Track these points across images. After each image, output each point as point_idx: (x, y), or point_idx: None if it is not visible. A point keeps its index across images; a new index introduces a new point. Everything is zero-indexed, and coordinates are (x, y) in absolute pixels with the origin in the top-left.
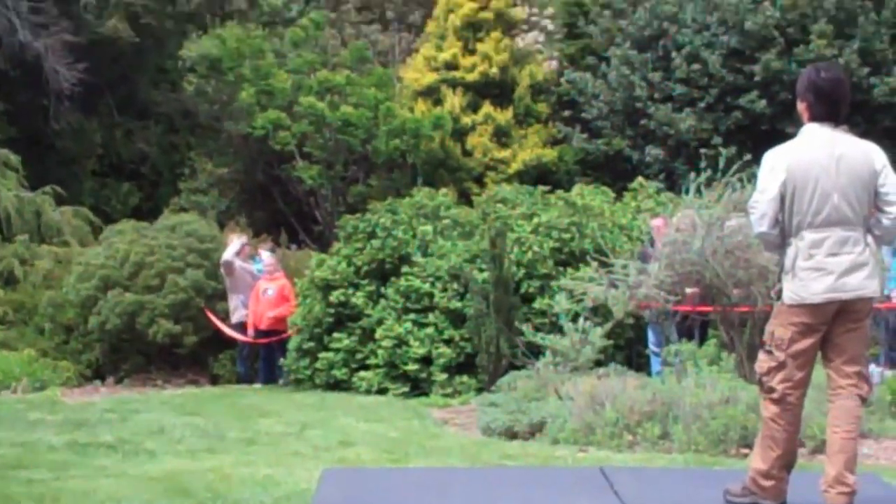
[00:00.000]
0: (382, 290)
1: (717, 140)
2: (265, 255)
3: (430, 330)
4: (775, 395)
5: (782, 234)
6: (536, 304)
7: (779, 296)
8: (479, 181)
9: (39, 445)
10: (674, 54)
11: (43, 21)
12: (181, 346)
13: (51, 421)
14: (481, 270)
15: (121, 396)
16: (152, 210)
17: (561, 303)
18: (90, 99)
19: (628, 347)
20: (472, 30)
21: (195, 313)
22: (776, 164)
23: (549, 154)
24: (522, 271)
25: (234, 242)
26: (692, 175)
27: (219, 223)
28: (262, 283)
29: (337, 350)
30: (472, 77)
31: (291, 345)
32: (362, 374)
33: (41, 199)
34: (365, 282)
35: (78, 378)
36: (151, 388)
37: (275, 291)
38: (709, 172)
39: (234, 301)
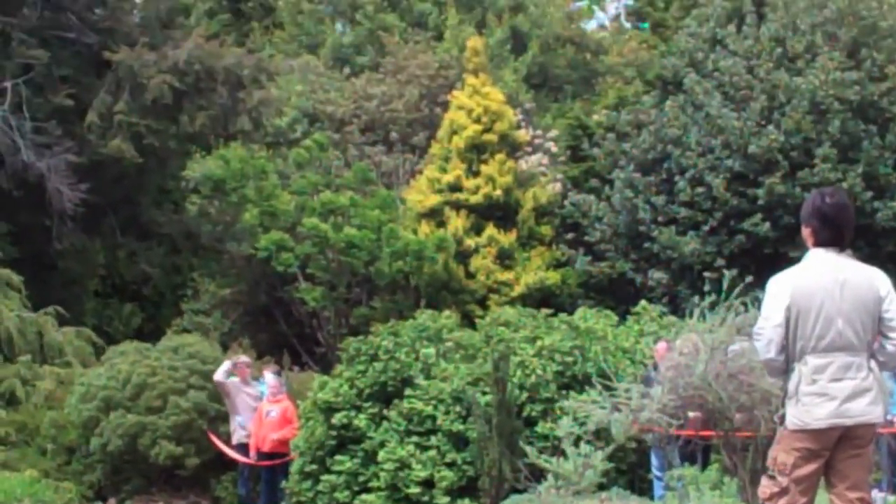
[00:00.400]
0: (385, 412)
1: (720, 263)
2: (269, 377)
3: (432, 453)
4: None
5: (786, 358)
6: (539, 428)
7: (782, 421)
8: (482, 303)
9: None
10: (677, 177)
11: (46, 141)
12: (183, 468)
13: None
14: (484, 393)
15: None
16: (154, 331)
17: (564, 427)
18: (93, 219)
19: (631, 471)
20: (477, 152)
21: (197, 435)
22: (780, 289)
23: (553, 277)
24: (525, 394)
25: (225, 363)
26: (695, 298)
27: (222, 344)
28: (265, 405)
29: (339, 473)
30: (475, 199)
31: (294, 467)
32: (364, 496)
33: (43, 319)
34: (367, 404)
35: (80, 499)
36: None
37: (278, 413)
38: (712, 296)
39: (233, 422)
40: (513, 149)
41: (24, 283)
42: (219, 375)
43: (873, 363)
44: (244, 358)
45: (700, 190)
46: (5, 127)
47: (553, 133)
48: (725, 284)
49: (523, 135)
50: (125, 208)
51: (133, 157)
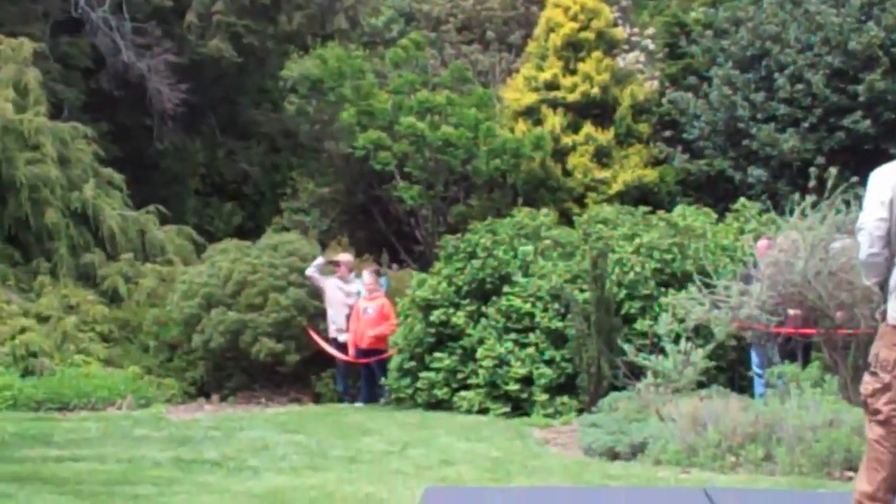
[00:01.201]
0: (483, 309)
1: (820, 160)
2: (365, 275)
3: (531, 350)
4: (881, 417)
5: (889, 254)
6: (638, 325)
7: (884, 317)
8: (580, 202)
9: (144, 461)
10: (776, 74)
11: (146, 42)
12: (284, 365)
13: (156, 437)
14: (582, 291)
15: (224, 414)
16: (254, 229)
17: (663, 324)
18: (193, 119)
19: (731, 369)
20: (573, 50)
21: (297, 332)
22: (882, 182)
23: (651, 174)
24: (624, 292)
25: (318, 258)
26: (795, 196)
27: (320, 243)
28: (361, 303)
29: (438, 370)
30: (572, 97)
31: (393, 364)
32: (463, 393)
33: (145, 218)
34: (465, 301)
35: (182, 395)
36: (255, 406)
37: (374, 311)
38: (812, 194)
39: (328, 317)
40: (610, 46)
41: (125, 182)
42: (310, 270)
43: None
44: (344, 255)
45: (799, 87)
46: (106, 28)
47: (650, 30)
48: (828, 183)
49: (620, 32)
50: (224, 108)
51: (232, 56)
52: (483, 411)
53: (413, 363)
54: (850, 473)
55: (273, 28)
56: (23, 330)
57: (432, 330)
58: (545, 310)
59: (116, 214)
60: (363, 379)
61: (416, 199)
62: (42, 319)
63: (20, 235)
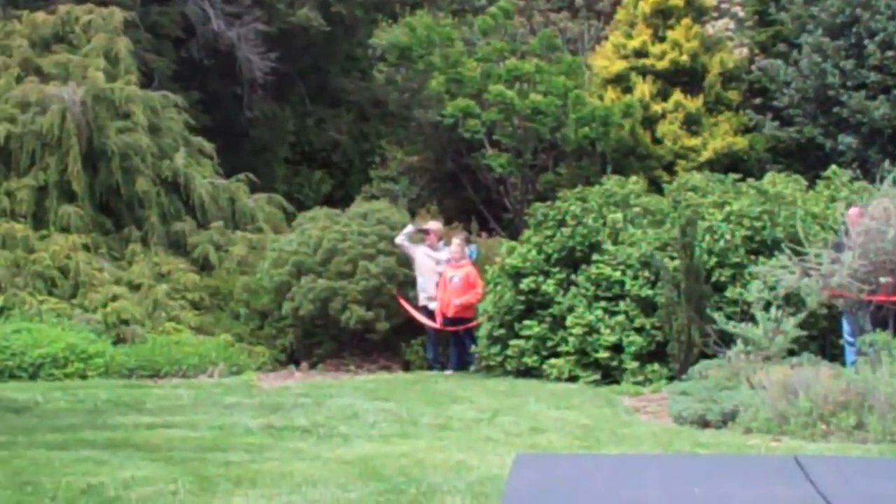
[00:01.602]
0: (573, 277)
1: None
2: (452, 244)
3: (620, 318)
4: None
5: None
6: (728, 293)
7: None
8: (669, 169)
9: (236, 428)
10: (867, 41)
11: (236, 10)
12: (373, 332)
13: (247, 404)
14: (672, 258)
15: (315, 381)
16: (343, 198)
17: (753, 291)
18: (282, 87)
19: (822, 337)
20: (662, 17)
21: (387, 300)
22: None
23: (740, 142)
24: (714, 260)
25: (408, 226)
26: (886, 163)
27: (409, 211)
28: (448, 271)
29: (527, 337)
30: (661, 65)
31: (482, 332)
32: (553, 361)
33: (235, 186)
34: (555, 269)
35: (272, 363)
36: (345, 373)
37: (460, 279)
38: None
39: (417, 285)
40: (699, 13)
41: (216, 150)
42: (399, 238)
43: None
44: (433, 224)
45: (890, 53)
46: None
47: None
48: None
49: None
50: (314, 76)
51: (321, 25)
52: (572, 379)
53: (503, 331)
54: None
55: None
56: (114, 298)
57: (522, 298)
58: (635, 278)
59: (207, 183)
60: (452, 347)
61: (504, 167)
62: (133, 287)
63: (111, 204)
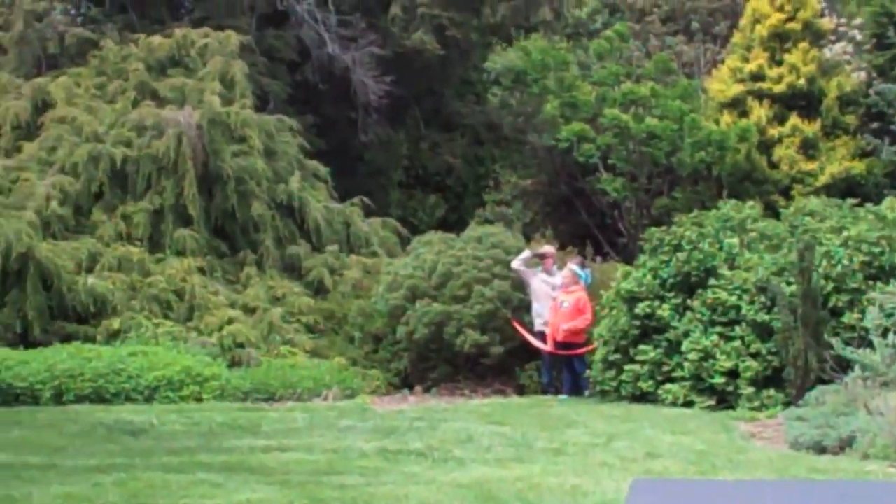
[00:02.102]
0: (688, 302)
1: None
2: (571, 268)
3: (736, 343)
4: None
5: None
6: (845, 319)
7: None
8: (786, 194)
9: (351, 452)
10: None
11: (351, 34)
12: (488, 356)
13: (361, 428)
14: (789, 283)
15: (429, 405)
16: (458, 222)
17: (871, 317)
18: (397, 111)
19: None
20: (779, 40)
21: (501, 323)
22: None
23: (858, 166)
24: (831, 285)
25: (525, 251)
26: None
27: (524, 235)
28: (559, 296)
29: (643, 362)
30: (778, 88)
31: (597, 356)
32: (668, 386)
33: (350, 210)
34: (671, 294)
35: (387, 386)
36: (459, 397)
37: (571, 304)
38: None
39: (532, 310)
40: (817, 37)
41: (330, 174)
42: (515, 263)
43: None
44: (548, 248)
45: None
46: (311, 20)
47: (858, 21)
48: None
49: (827, 23)
50: (428, 100)
51: (435, 49)
52: (688, 404)
53: (618, 355)
54: None
55: (477, 20)
56: (230, 321)
57: (637, 322)
58: (751, 302)
59: (321, 206)
60: (566, 371)
61: (619, 191)
62: (249, 311)
63: (227, 227)
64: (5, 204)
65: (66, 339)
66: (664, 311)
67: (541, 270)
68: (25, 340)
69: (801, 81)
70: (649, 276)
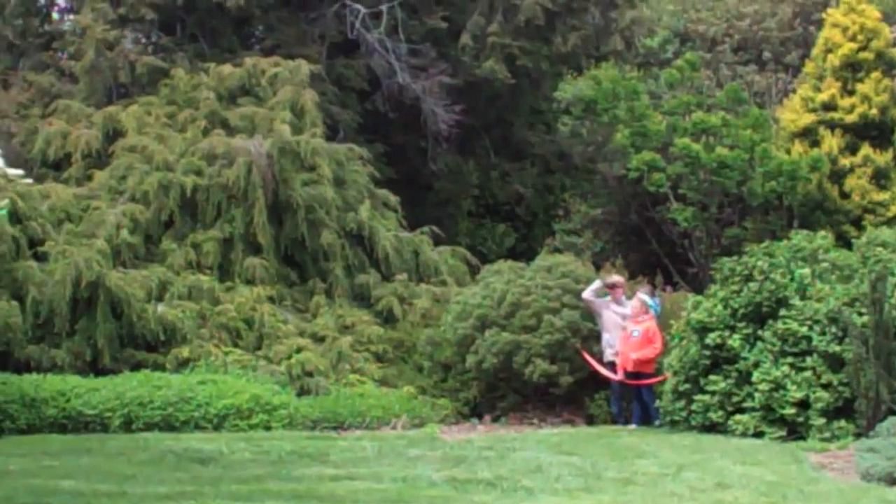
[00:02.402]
0: (759, 332)
1: None
2: (640, 297)
3: (807, 373)
4: None
5: None
6: None
7: None
8: (857, 224)
9: (420, 481)
10: None
11: (421, 63)
12: (557, 386)
13: (430, 457)
14: (860, 314)
15: (497, 434)
16: (527, 251)
17: None
18: (467, 140)
19: None
20: (852, 70)
21: (571, 353)
22: None
23: None
24: None
25: (595, 281)
26: None
27: (594, 264)
28: (629, 325)
29: (713, 392)
30: (850, 118)
31: (667, 386)
32: (738, 416)
33: (419, 238)
34: (741, 324)
35: (456, 415)
36: (527, 427)
37: (640, 334)
38: None
39: (603, 340)
40: (889, 66)
41: (400, 203)
42: (586, 294)
43: None
44: (617, 277)
45: None
46: (382, 50)
47: None
48: None
49: None
50: (498, 129)
51: (506, 78)
52: (758, 434)
53: (688, 386)
54: None
55: (547, 49)
56: (299, 349)
57: (707, 353)
58: (822, 333)
59: (391, 235)
60: (635, 401)
61: (689, 220)
62: (317, 339)
63: (296, 256)
64: (76, 232)
65: (136, 366)
66: (735, 342)
67: (610, 300)
68: (95, 368)
69: (874, 111)
70: (720, 307)
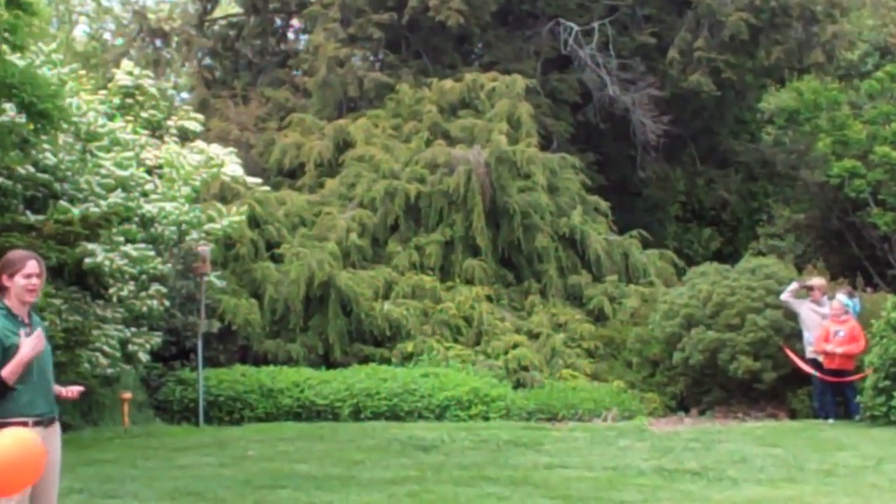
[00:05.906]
0: None
1: None
2: (834, 302)
3: None
4: None
5: None
6: None
7: None
8: None
9: (629, 470)
10: None
11: (630, 77)
12: (760, 382)
13: (639, 447)
14: None
15: (703, 427)
16: (732, 254)
17: None
18: (674, 149)
19: None
20: None
21: (773, 351)
22: None
23: None
24: None
25: (793, 283)
26: None
27: (796, 266)
28: (831, 326)
29: None
30: None
31: (868, 383)
32: None
33: (628, 242)
34: None
35: (663, 409)
36: (732, 420)
37: (845, 333)
38: None
39: (804, 338)
40: None
41: (610, 208)
42: (784, 295)
43: None
44: (818, 280)
45: None
46: (593, 64)
47: None
48: None
49: None
50: (704, 139)
51: (711, 90)
52: None
53: (888, 382)
54: None
55: (751, 62)
56: (515, 345)
57: None
58: None
59: (602, 239)
60: (835, 396)
61: (889, 225)
62: (532, 336)
63: (512, 258)
64: (309, 235)
65: (364, 360)
66: None
67: (809, 300)
68: (327, 361)
69: None
70: None
